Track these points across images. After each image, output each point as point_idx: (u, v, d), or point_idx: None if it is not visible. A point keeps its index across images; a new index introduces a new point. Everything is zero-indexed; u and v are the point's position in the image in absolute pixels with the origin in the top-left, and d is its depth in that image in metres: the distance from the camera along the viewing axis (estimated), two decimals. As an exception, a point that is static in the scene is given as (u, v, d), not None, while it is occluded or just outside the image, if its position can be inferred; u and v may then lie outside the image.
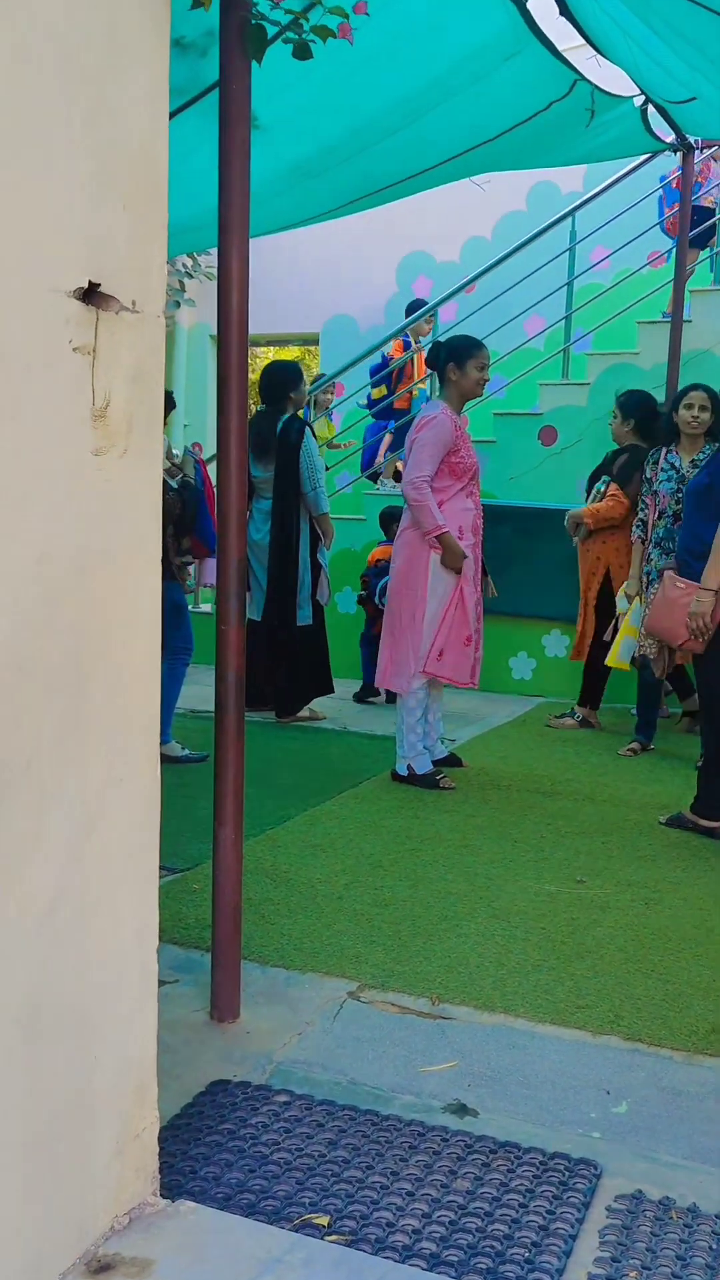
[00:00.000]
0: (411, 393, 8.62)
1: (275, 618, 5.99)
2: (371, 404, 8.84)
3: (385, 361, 8.58)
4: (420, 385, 8.55)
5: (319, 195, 5.12)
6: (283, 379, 6.11)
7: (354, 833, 4.14)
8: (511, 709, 6.75)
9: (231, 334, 2.54)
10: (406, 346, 8.59)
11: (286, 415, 6.04)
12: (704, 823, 4.21)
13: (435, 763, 4.99)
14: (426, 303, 8.61)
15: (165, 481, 4.89)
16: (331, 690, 6.31)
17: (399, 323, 8.41)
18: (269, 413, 6.04)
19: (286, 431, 5.95)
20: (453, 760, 5.16)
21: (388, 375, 8.64)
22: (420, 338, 8.61)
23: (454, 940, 3.16)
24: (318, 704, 6.45)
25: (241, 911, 2.72)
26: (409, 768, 4.84)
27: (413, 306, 8.71)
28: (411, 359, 8.51)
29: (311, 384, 8.21)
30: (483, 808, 4.55)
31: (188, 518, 4.90)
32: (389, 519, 7.12)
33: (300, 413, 6.11)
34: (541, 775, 5.09)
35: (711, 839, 4.14)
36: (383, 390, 8.71)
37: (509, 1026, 2.68)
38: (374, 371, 8.73)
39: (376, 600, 6.79)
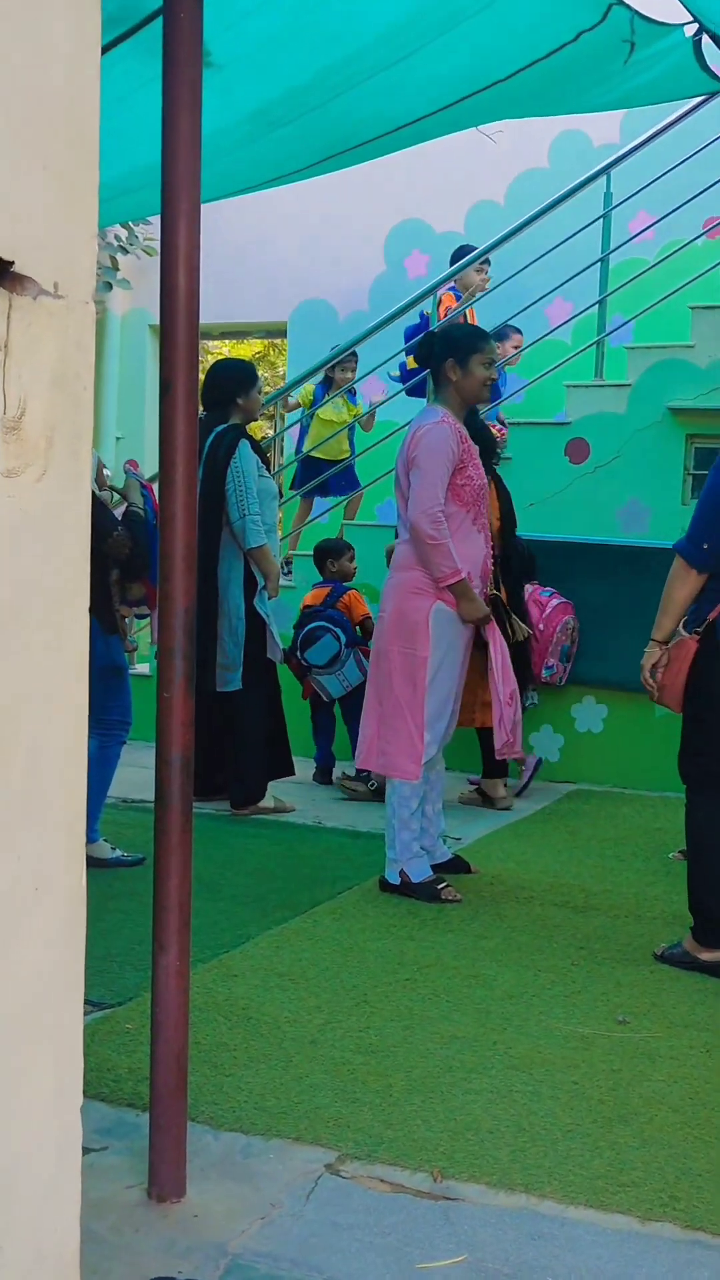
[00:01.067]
0: None
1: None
2: (406, 375, 8.73)
3: (425, 321, 8.49)
4: None
5: (287, 150, 5.20)
6: (229, 381, 6.22)
7: (332, 958, 4.13)
8: (533, 800, 6.77)
9: (178, 323, 2.58)
10: (457, 299, 8.52)
11: (224, 425, 6.14)
12: (704, 955, 4.16)
13: (436, 868, 4.99)
14: (474, 248, 8.52)
15: (106, 511, 4.94)
16: (290, 772, 6.33)
17: (386, 309, 8.51)
18: (206, 421, 6.14)
19: (217, 444, 6.03)
20: (458, 865, 5.17)
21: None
22: (472, 290, 8.50)
23: (461, 1098, 3.15)
24: (283, 791, 6.47)
25: (188, 1059, 2.71)
26: (402, 874, 4.84)
27: (460, 253, 8.65)
28: (464, 316, 8.40)
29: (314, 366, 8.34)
30: (496, 926, 4.54)
31: (137, 559, 4.93)
32: (324, 554, 7.20)
33: (256, 422, 6.20)
34: (571, 885, 5.10)
35: (717, 976, 4.10)
36: None
37: (532, 1210, 2.67)
38: (411, 334, 8.59)
39: (299, 657, 6.84)
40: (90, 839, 5.17)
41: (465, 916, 4.65)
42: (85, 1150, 2.38)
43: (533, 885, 5.07)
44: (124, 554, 4.87)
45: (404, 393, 8.56)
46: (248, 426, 6.29)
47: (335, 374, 8.86)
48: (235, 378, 6.23)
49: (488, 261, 8.42)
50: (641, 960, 4.24)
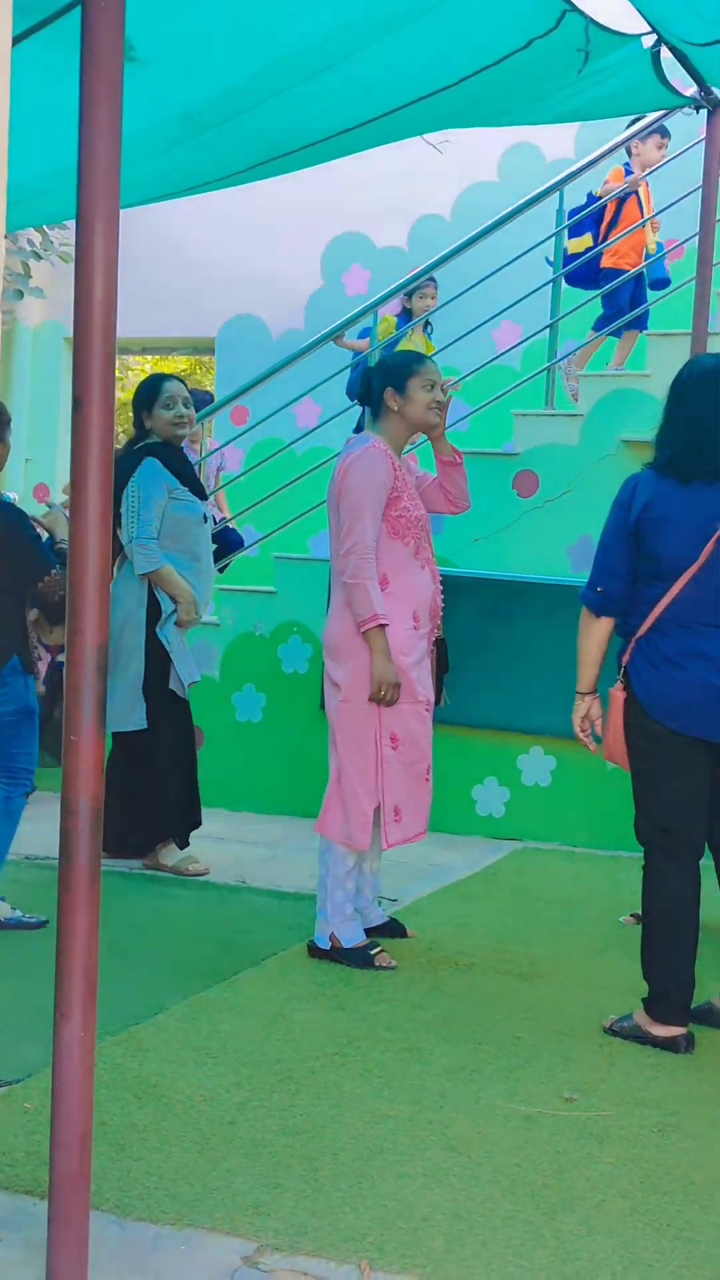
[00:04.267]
0: (635, 248, 8.28)
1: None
2: (567, 259, 8.39)
3: (592, 199, 8.33)
4: (651, 238, 8.30)
5: (217, 154, 5.23)
6: (136, 400, 6.32)
7: (254, 1031, 4.09)
8: (475, 857, 6.77)
9: (92, 335, 2.56)
10: (627, 173, 8.39)
11: (139, 445, 6.24)
12: (657, 1030, 4.15)
13: (370, 931, 4.97)
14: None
15: (40, 546, 4.92)
16: (197, 823, 6.29)
17: (322, 327, 8.55)
18: (127, 444, 6.29)
19: (119, 465, 6.04)
20: (394, 928, 5.16)
21: (598, 215, 8.28)
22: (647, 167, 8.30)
23: (393, 1183, 3.12)
24: (202, 848, 6.42)
25: (92, 1142, 2.67)
26: (332, 938, 4.82)
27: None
28: (635, 194, 8.23)
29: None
30: (435, 996, 4.52)
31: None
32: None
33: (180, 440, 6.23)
34: (517, 951, 5.09)
35: (670, 1051, 4.09)
36: (587, 240, 8.34)
37: (468, 1306, 2.65)
38: (574, 213, 8.42)
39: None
40: (-10, 898, 5.13)
41: (401, 984, 4.62)
42: (-23, 1241, 2.33)
43: (474, 951, 5.06)
44: (57, 596, 4.79)
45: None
46: (179, 443, 6.32)
47: (414, 302, 8.64)
48: (139, 396, 6.29)
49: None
50: (590, 1033, 4.23)
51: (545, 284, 8.03)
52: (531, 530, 7.48)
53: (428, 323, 8.85)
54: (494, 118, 5.94)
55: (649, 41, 5.28)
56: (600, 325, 8.42)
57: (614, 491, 7.18)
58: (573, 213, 8.39)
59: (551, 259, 8.21)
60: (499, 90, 5.17)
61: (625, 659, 4.15)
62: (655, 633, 4.09)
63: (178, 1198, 3.00)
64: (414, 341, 8.50)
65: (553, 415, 7.65)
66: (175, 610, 6.03)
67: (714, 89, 6.12)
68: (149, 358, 15.89)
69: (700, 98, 6.22)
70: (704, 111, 6.28)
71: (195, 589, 6.08)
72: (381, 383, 4.89)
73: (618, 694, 4.17)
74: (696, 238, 6.38)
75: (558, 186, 7.81)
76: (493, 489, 7.56)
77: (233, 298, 10.89)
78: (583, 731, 4.33)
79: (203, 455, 8.99)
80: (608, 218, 8.42)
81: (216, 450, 9.49)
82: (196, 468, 6.96)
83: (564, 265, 8.33)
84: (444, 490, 5.11)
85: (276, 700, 7.68)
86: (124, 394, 18.17)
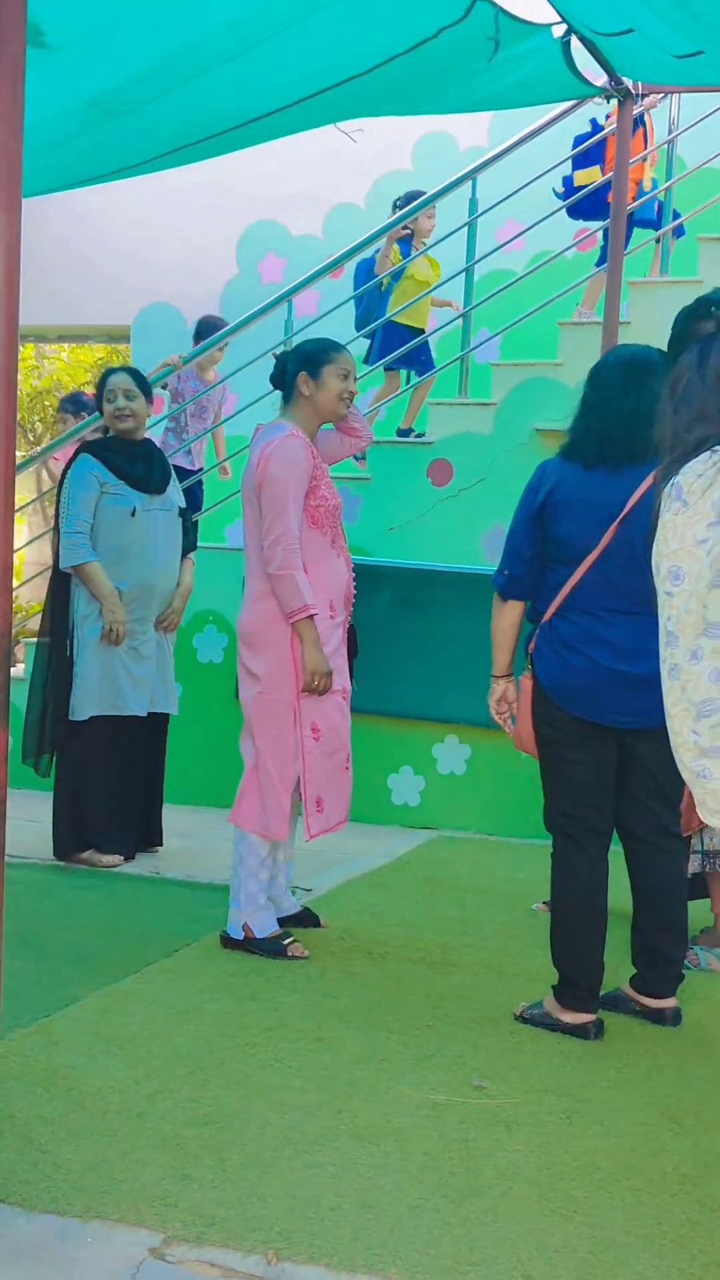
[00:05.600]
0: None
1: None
2: (571, 190, 8.16)
3: (597, 127, 8.14)
4: (648, 174, 8.08)
5: (127, 141, 5.21)
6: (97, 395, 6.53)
7: (165, 1022, 4.08)
8: (390, 846, 6.78)
9: (-7, 324, 2.55)
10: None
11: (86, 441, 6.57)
12: (565, 1016, 4.18)
13: (283, 921, 4.97)
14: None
15: None
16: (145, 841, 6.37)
17: (238, 314, 8.53)
18: None
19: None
20: (306, 918, 5.15)
21: (603, 145, 7.99)
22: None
23: (301, 1173, 3.12)
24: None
25: (-4, 1136, 2.65)
26: (245, 928, 4.81)
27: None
28: (642, 126, 7.97)
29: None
30: (347, 985, 4.53)
31: None
32: None
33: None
34: (429, 940, 5.10)
35: (579, 1038, 4.12)
36: (595, 173, 8.05)
37: (375, 1294, 2.65)
38: (580, 140, 8.23)
39: None
40: None
41: (312, 974, 4.62)
42: None
43: (387, 940, 5.07)
44: None
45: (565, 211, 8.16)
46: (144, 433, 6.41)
47: (419, 223, 8.31)
48: (98, 391, 6.45)
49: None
50: (501, 1021, 4.25)
51: (458, 273, 8.02)
52: (445, 519, 7.49)
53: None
54: (405, 106, 5.95)
55: (559, 31, 5.31)
56: (601, 262, 8.20)
57: (528, 480, 7.27)
58: (578, 140, 8.19)
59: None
60: (409, 78, 5.18)
61: (531, 645, 4.19)
62: (558, 618, 4.13)
63: (86, 1189, 2.98)
64: (419, 265, 8.37)
65: (466, 404, 7.66)
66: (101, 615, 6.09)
67: (623, 79, 6.18)
68: (65, 345, 15.78)
69: (610, 87, 6.28)
70: (613, 101, 6.34)
71: (127, 583, 6.12)
72: (296, 367, 4.85)
73: (526, 682, 4.20)
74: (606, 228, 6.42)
75: (471, 175, 7.82)
76: (407, 478, 7.58)
77: (148, 286, 10.82)
78: (499, 715, 4.36)
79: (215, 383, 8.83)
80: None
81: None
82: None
83: (567, 197, 8.15)
84: (344, 430, 5.06)
85: (192, 690, 7.64)
86: (42, 381, 18.08)
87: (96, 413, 6.94)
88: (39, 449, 15.54)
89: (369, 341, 8.44)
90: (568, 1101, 3.61)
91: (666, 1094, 3.72)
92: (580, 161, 8.10)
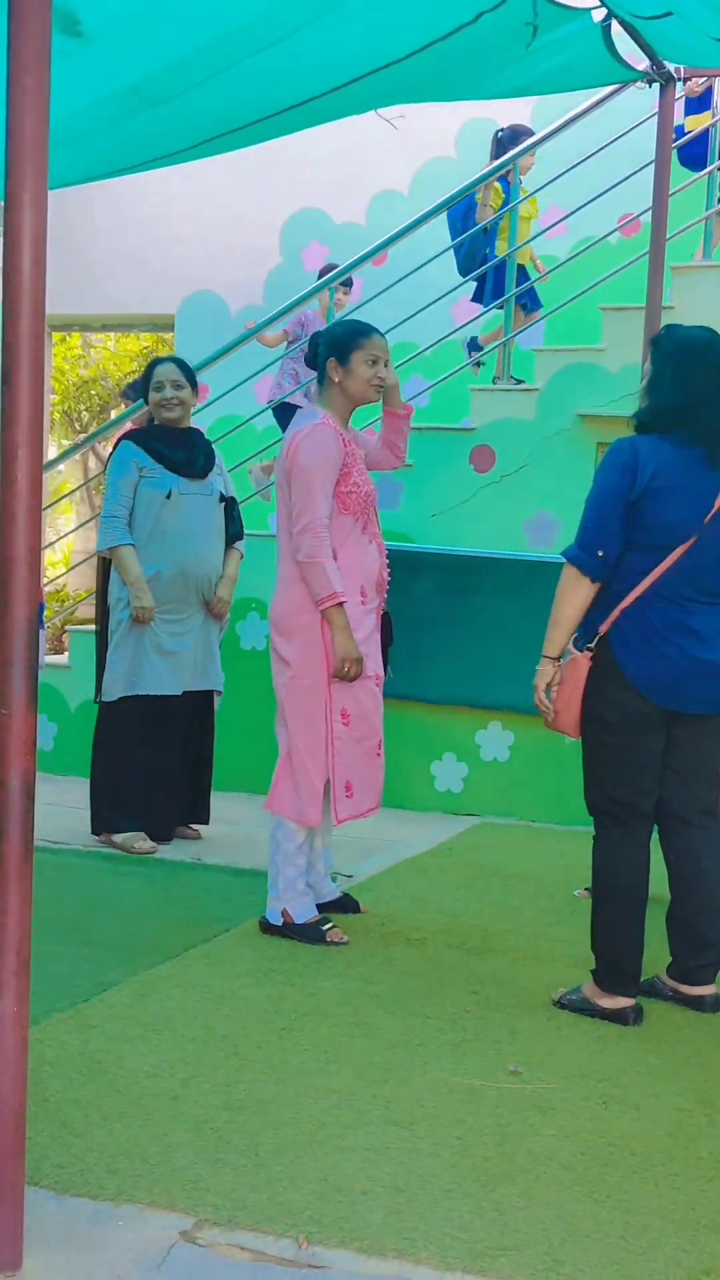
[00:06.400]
0: None
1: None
2: (680, 135, 8.02)
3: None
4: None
5: (166, 129, 5.20)
6: (143, 384, 6.55)
7: (202, 1007, 4.09)
8: (433, 833, 6.78)
9: (20, 310, 2.54)
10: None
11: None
12: (604, 1001, 4.18)
13: (322, 907, 4.97)
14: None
15: None
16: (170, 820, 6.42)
17: (281, 303, 8.55)
18: None
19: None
20: (347, 904, 5.16)
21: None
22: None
23: (334, 1157, 3.12)
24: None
25: (25, 1117, 2.66)
26: (284, 914, 4.82)
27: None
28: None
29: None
30: (385, 971, 4.53)
31: None
32: None
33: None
34: (469, 926, 5.10)
35: (617, 1023, 4.12)
36: (706, 118, 8.04)
37: (405, 1277, 2.65)
38: (457, 216, 8.39)
39: None
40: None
41: (351, 960, 4.62)
42: None
43: (427, 926, 5.07)
44: None
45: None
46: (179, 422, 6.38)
47: (521, 161, 8.16)
48: (143, 381, 6.51)
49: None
50: (539, 1006, 4.24)
51: (501, 259, 8.00)
52: (488, 505, 7.47)
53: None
54: (444, 92, 5.93)
55: (599, 15, 5.27)
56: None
57: (571, 465, 7.26)
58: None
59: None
60: (448, 64, 5.15)
61: (605, 628, 4.08)
62: (646, 605, 4.05)
63: (118, 1173, 2.99)
64: (523, 204, 8.28)
65: (508, 390, 7.63)
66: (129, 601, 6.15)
67: (665, 63, 6.12)
68: (110, 335, 15.83)
69: (652, 71, 6.22)
70: (654, 85, 6.29)
71: (163, 566, 6.13)
72: (326, 352, 4.83)
73: (583, 661, 4.10)
74: (650, 212, 6.38)
75: (514, 160, 7.79)
76: (450, 464, 7.56)
77: (192, 274, 10.84)
78: (547, 698, 4.23)
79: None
80: None
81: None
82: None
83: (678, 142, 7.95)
84: (387, 445, 5.07)
85: (235, 677, 7.63)
86: (89, 371, 18.14)
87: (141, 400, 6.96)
88: (83, 437, 15.59)
89: (475, 283, 8.46)
90: (604, 1087, 3.60)
91: (704, 1080, 3.71)
92: (692, 107, 8.13)
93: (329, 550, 4.65)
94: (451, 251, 8.36)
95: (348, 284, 8.75)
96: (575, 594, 4.11)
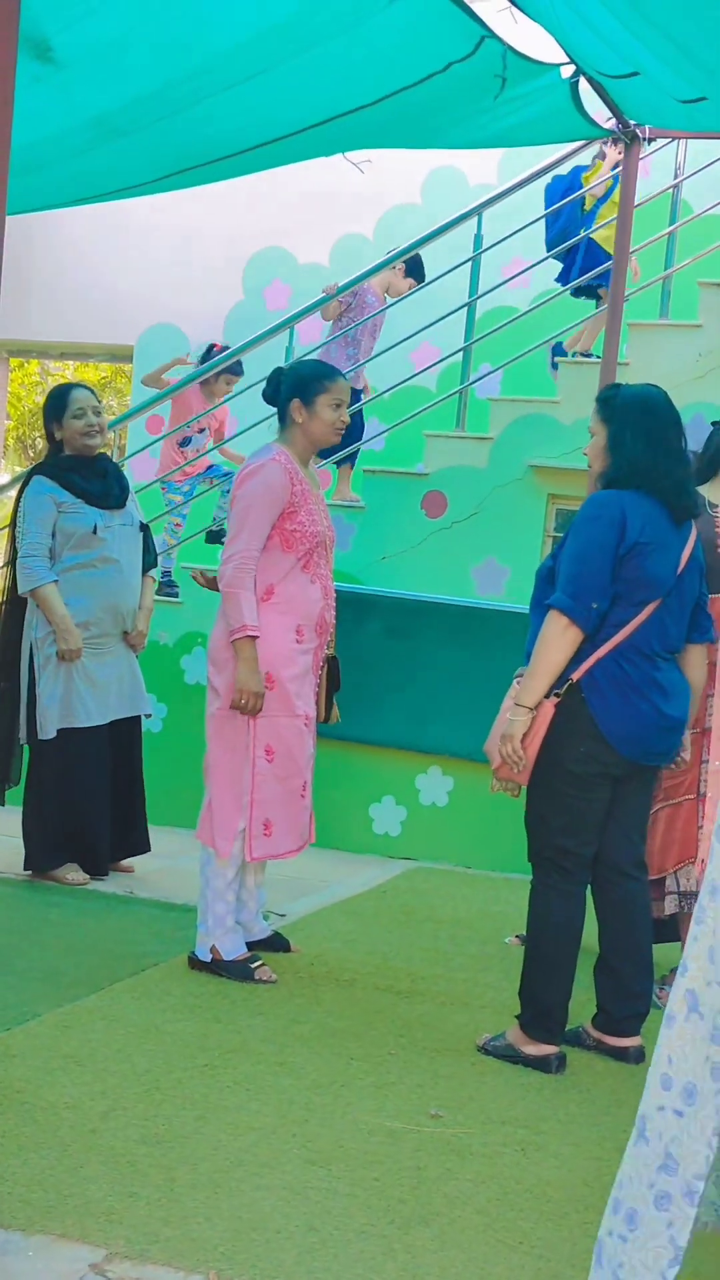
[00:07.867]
0: None
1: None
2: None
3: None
4: None
5: (131, 161, 5.25)
6: (45, 413, 6.30)
7: (126, 1041, 4.07)
8: (368, 875, 6.77)
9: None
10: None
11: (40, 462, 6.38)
12: (528, 1049, 4.17)
13: (253, 945, 4.96)
14: None
15: None
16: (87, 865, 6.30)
17: (243, 337, 8.58)
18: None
19: (20, 487, 6.25)
20: (277, 943, 5.15)
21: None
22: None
23: (249, 1194, 3.11)
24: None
25: (-59, 1143, 2.65)
26: (213, 950, 4.80)
27: None
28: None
29: None
30: (312, 1010, 4.52)
31: None
32: None
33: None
34: (399, 969, 5.10)
35: (541, 1071, 4.12)
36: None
37: (315, 1317, 2.65)
38: (556, 194, 8.21)
39: None
40: None
41: (279, 998, 4.61)
42: None
43: (357, 967, 5.06)
44: None
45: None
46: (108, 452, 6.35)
47: (607, 148, 7.90)
48: (48, 407, 6.24)
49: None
50: (464, 1051, 4.24)
51: (460, 307, 8.06)
52: (438, 551, 7.52)
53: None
54: (412, 139, 6.00)
55: (568, 72, 5.36)
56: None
57: (521, 515, 7.32)
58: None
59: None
60: (416, 111, 5.22)
61: (577, 677, 4.08)
62: (619, 657, 4.09)
63: (31, 1204, 2.97)
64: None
65: (463, 438, 7.69)
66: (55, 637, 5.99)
67: (631, 122, 6.21)
68: (68, 363, 15.82)
69: (618, 130, 6.32)
70: (618, 144, 6.38)
71: (92, 600, 6.02)
72: (289, 392, 4.82)
73: (549, 707, 4.08)
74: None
75: (477, 210, 7.88)
76: (401, 508, 7.60)
77: (153, 306, 10.85)
78: (517, 750, 4.11)
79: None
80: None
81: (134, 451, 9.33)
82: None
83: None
84: None
85: (177, 711, 7.67)
86: (44, 398, 18.11)
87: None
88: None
89: (562, 263, 8.35)
90: (524, 1133, 3.61)
91: (624, 1129, 3.67)
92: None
93: (250, 583, 4.64)
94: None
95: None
96: (562, 643, 4.07)
